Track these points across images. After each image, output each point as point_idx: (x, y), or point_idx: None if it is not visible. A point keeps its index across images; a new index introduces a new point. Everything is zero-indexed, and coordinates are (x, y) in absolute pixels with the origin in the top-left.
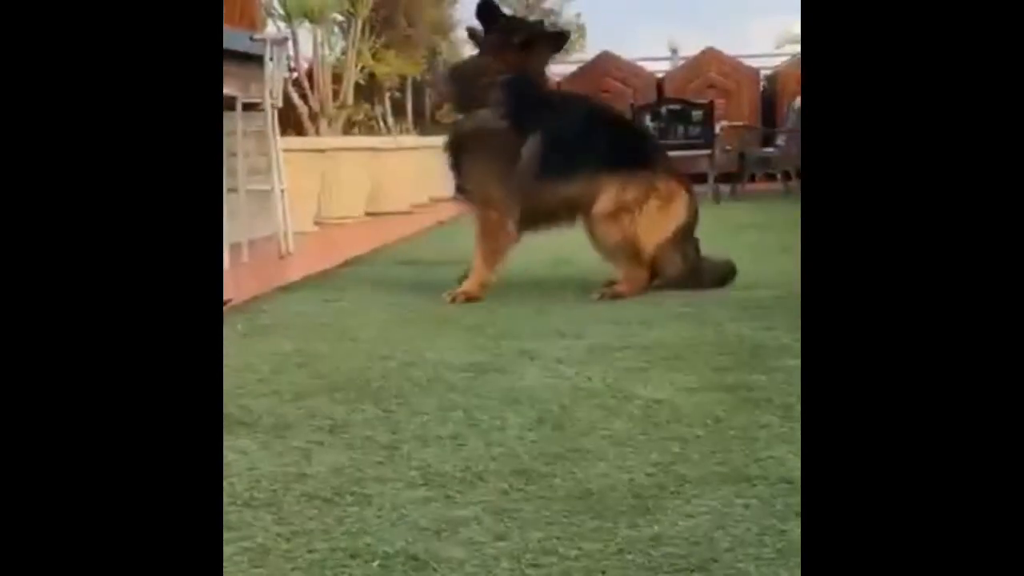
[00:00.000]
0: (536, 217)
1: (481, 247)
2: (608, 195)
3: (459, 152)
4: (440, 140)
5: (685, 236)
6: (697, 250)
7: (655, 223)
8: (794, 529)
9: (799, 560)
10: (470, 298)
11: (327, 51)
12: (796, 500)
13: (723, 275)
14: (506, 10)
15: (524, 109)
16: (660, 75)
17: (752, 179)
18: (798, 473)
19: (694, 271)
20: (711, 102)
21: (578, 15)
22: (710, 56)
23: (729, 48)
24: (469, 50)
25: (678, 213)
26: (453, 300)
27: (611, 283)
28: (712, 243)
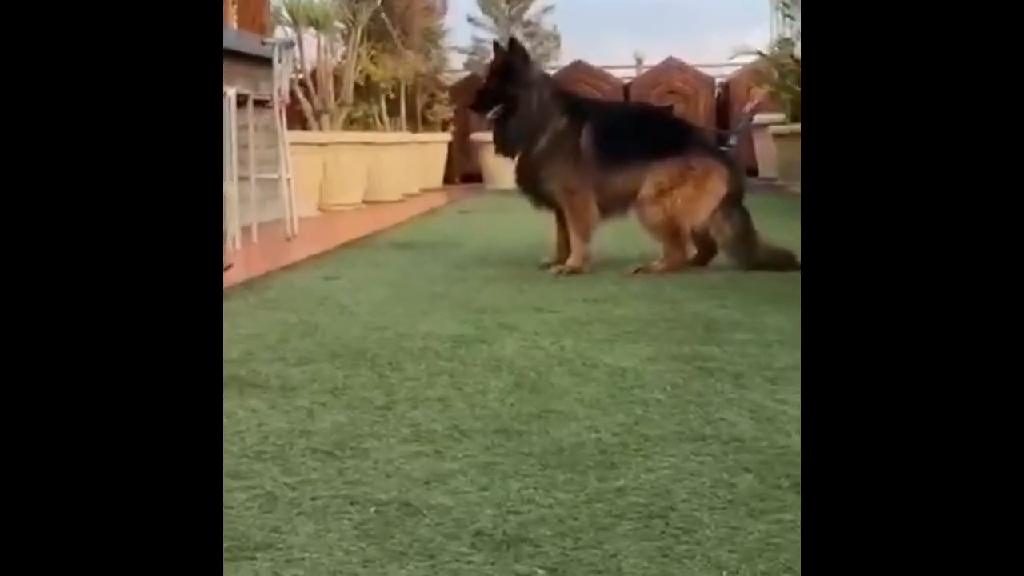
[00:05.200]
0: (604, 204)
1: (575, 227)
2: (650, 181)
3: (536, 170)
4: (429, 136)
5: (730, 207)
6: (748, 224)
7: (693, 203)
8: (742, 482)
9: (748, 509)
10: (575, 271)
11: (329, 55)
12: (745, 456)
13: (781, 261)
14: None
15: (572, 105)
16: (627, 81)
17: None
18: (747, 433)
19: (745, 241)
20: (671, 106)
21: (555, 26)
22: (671, 65)
23: (688, 57)
24: (455, 56)
25: (716, 188)
26: (559, 273)
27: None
28: None
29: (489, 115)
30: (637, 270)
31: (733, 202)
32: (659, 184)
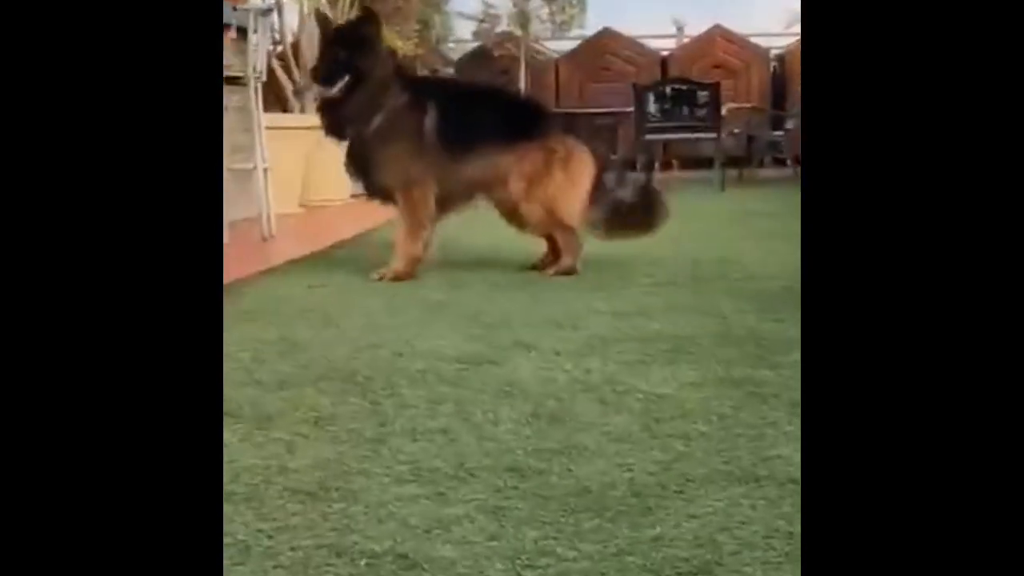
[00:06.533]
0: (450, 195)
1: (407, 224)
2: (515, 173)
3: (367, 154)
4: None
5: (600, 189)
6: (619, 203)
7: (567, 191)
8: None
9: None
10: (399, 277)
11: (313, 23)
12: None
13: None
14: None
15: (415, 82)
16: (664, 53)
17: (760, 164)
18: None
19: (621, 217)
20: (717, 83)
21: None
22: (717, 34)
23: (737, 26)
24: (463, 24)
25: (586, 170)
26: (381, 279)
27: (548, 259)
28: (717, 231)
29: (335, 90)
30: (554, 273)
31: (601, 185)
32: (526, 175)
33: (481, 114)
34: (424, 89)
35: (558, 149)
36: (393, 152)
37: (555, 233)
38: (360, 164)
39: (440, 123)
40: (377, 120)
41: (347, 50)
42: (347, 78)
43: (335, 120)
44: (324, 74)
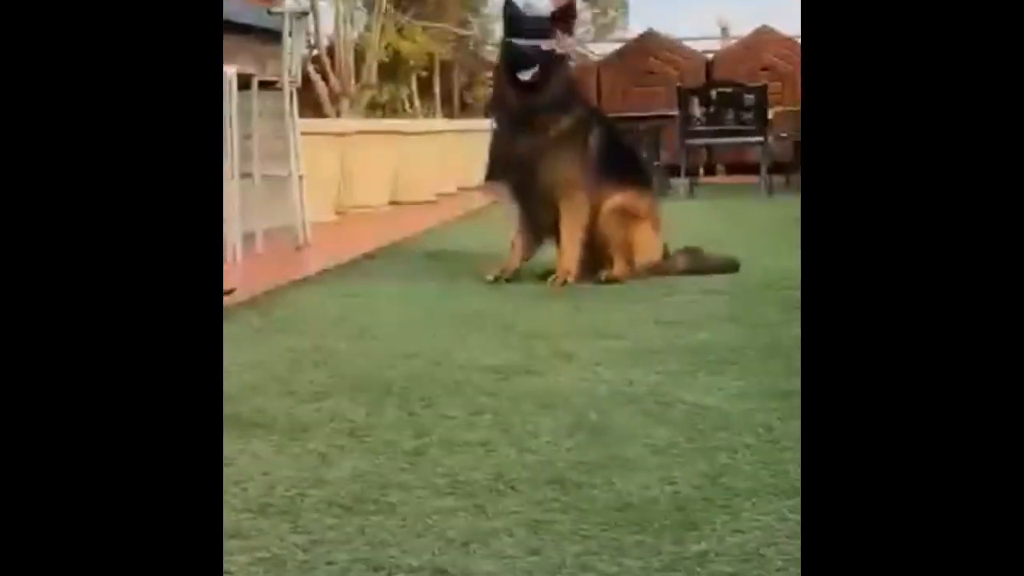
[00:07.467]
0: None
1: (574, 226)
2: (622, 196)
3: (543, 153)
4: (469, 123)
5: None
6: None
7: (654, 240)
8: None
9: None
10: (568, 276)
11: (350, 26)
12: None
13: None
14: None
15: (590, 104)
16: (709, 56)
17: None
18: None
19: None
20: (764, 85)
21: None
22: (764, 35)
23: (785, 27)
24: (502, 27)
25: (661, 240)
26: (560, 283)
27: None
28: (763, 238)
29: (528, 77)
30: (604, 279)
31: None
32: (634, 199)
33: (616, 148)
34: (590, 110)
35: (656, 212)
36: (571, 156)
37: (617, 258)
38: (528, 161)
39: (597, 145)
40: (565, 122)
41: (544, 40)
42: (538, 68)
43: (525, 106)
44: (522, 61)
